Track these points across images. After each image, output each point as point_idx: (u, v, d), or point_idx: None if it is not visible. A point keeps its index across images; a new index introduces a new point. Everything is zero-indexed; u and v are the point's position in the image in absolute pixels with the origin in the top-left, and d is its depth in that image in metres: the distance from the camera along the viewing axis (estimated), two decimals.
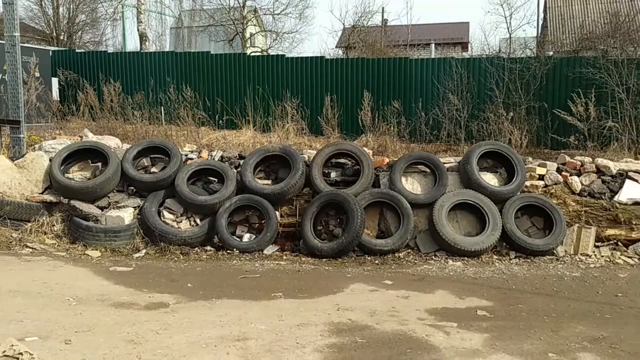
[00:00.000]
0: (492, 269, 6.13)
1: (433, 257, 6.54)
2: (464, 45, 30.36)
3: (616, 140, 11.10)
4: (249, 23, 26.23)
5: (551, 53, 17.38)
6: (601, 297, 5.24)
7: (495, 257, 6.50)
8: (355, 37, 22.67)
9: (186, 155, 7.72)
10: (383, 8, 27.98)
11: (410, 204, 6.74)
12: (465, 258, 6.39)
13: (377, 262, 6.39)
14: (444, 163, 7.24)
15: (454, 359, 3.88)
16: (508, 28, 18.60)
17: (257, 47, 27.20)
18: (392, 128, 12.22)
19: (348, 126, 12.73)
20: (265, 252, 6.66)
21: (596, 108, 11.10)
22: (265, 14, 27.62)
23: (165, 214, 6.94)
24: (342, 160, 7.46)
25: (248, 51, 22.70)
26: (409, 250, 6.70)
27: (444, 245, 6.51)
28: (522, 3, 42.41)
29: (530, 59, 12.79)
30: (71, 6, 25.30)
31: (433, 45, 26.83)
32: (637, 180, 6.88)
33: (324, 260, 6.39)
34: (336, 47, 27.00)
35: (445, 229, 6.48)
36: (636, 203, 6.67)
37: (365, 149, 7.85)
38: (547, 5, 20.99)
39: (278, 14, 26.52)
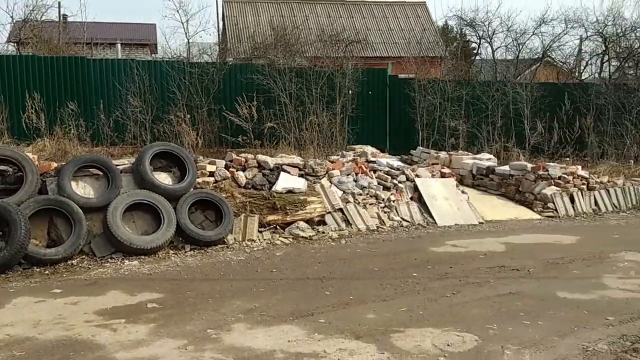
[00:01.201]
0: (168, 263, 6.44)
1: (109, 259, 6.50)
2: (152, 47, 30.28)
3: (284, 139, 12.75)
4: None
5: (231, 59, 18.78)
6: (259, 275, 6.02)
7: (172, 252, 6.82)
8: (28, 32, 20.45)
9: None
10: (59, 3, 25.72)
11: (83, 209, 6.56)
12: (142, 256, 6.53)
13: (47, 272, 6.04)
14: (118, 165, 7.25)
15: (119, 353, 4.01)
16: (186, 34, 19.50)
17: None
18: (71, 131, 11.61)
19: (20, 130, 11.54)
20: None
21: (267, 111, 12.54)
22: None
23: None
24: (1, 168, 6.78)
25: None
26: (84, 256, 6.51)
27: (120, 247, 6.54)
28: (198, 11, 44.65)
29: (208, 65, 13.60)
30: None
31: (119, 45, 26.07)
32: (289, 172, 8.09)
33: None
34: (7, 42, 23.86)
35: (120, 231, 6.51)
36: (289, 191, 7.84)
37: (30, 154, 7.30)
38: (225, 14, 22.49)
39: None
